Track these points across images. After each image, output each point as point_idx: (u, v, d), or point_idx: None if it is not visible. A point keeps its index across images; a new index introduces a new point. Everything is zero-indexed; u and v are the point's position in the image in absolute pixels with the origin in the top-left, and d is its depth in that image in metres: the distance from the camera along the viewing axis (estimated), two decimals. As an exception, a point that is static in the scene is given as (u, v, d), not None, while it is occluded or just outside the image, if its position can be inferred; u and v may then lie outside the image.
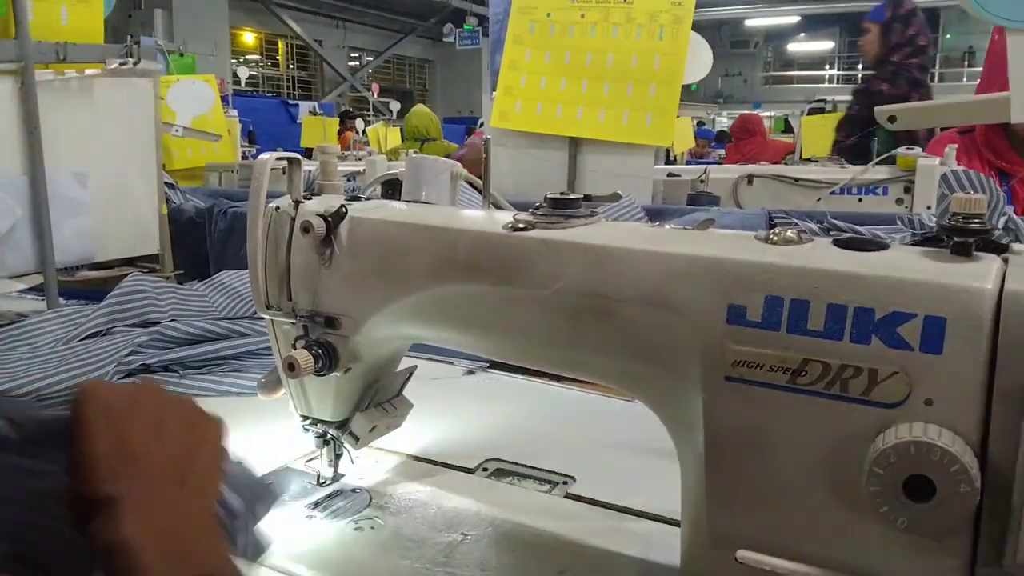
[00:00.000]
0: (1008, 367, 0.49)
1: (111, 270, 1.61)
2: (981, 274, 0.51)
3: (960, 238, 0.54)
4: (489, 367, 1.30)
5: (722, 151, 5.99)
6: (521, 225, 0.67)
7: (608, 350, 0.64)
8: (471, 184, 0.92)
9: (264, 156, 0.74)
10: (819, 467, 0.55)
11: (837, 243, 0.58)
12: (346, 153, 4.15)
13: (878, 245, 0.57)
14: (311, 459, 0.87)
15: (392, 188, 0.84)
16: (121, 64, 1.39)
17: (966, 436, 0.50)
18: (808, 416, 0.54)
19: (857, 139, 2.83)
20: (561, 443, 1.02)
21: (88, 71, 1.37)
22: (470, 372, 1.30)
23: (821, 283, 0.54)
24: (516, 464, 0.95)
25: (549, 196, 0.69)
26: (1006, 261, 0.53)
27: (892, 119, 1.09)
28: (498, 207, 0.83)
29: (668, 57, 1.78)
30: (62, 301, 1.43)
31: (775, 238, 0.59)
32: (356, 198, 0.77)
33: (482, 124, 7.64)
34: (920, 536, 0.52)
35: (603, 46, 1.82)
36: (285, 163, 0.77)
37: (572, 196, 0.68)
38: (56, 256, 1.34)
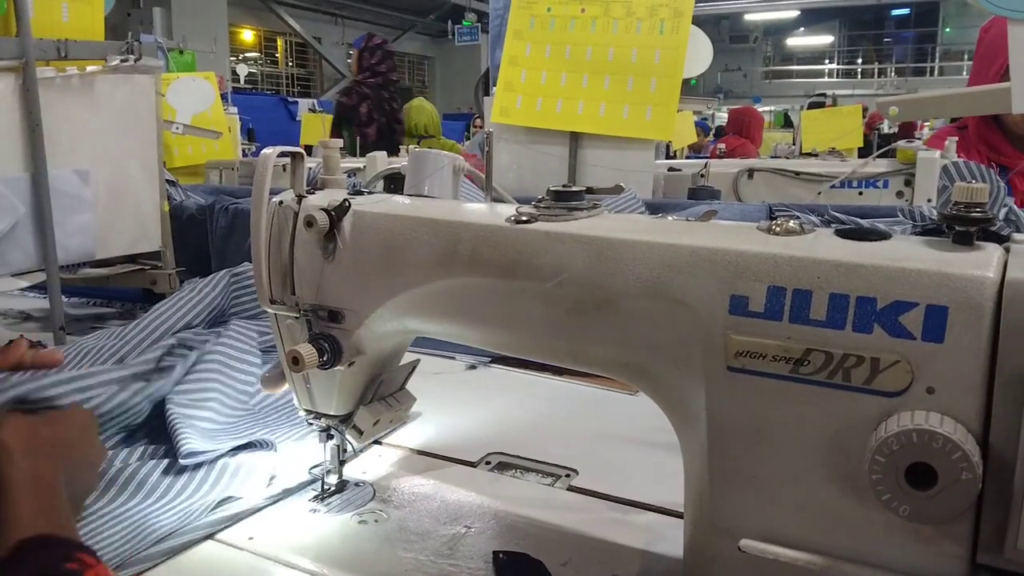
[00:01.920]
0: (1009, 355, 0.49)
1: (113, 267, 1.61)
2: (983, 263, 0.51)
3: (962, 227, 0.54)
4: (491, 362, 1.31)
5: (721, 145, 5.98)
6: (524, 218, 0.67)
7: (611, 341, 0.64)
8: (472, 178, 0.93)
9: (267, 151, 0.74)
10: (822, 456, 0.55)
11: (839, 233, 0.58)
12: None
13: (880, 235, 0.57)
14: (315, 466, 0.88)
15: (394, 182, 0.84)
16: (122, 61, 1.39)
17: (968, 424, 0.50)
18: (810, 405, 0.55)
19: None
20: (563, 436, 1.02)
21: (89, 68, 1.37)
22: (472, 367, 1.30)
23: (823, 273, 0.54)
24: (519, 457, 0.95)
25: (552, 189, 0.69)
26: (1007, 250, 0.53)
27: (894, 111, 1.10)
28: (500, 200, 0.84)
29: (668, 51, 1.78)
30: (64, 299, 1.43)
31: (777, 229, 0.59)
32: (359, 192, 0.78)
33: (478, 117, 7.58)
34: (922, 523, 0.52)
35: (603, 40, 1.82)
36: (287, 158, 0.78)
37: (574, 189, 0.69)
38: (58, 253, 1.34)
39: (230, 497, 0.81)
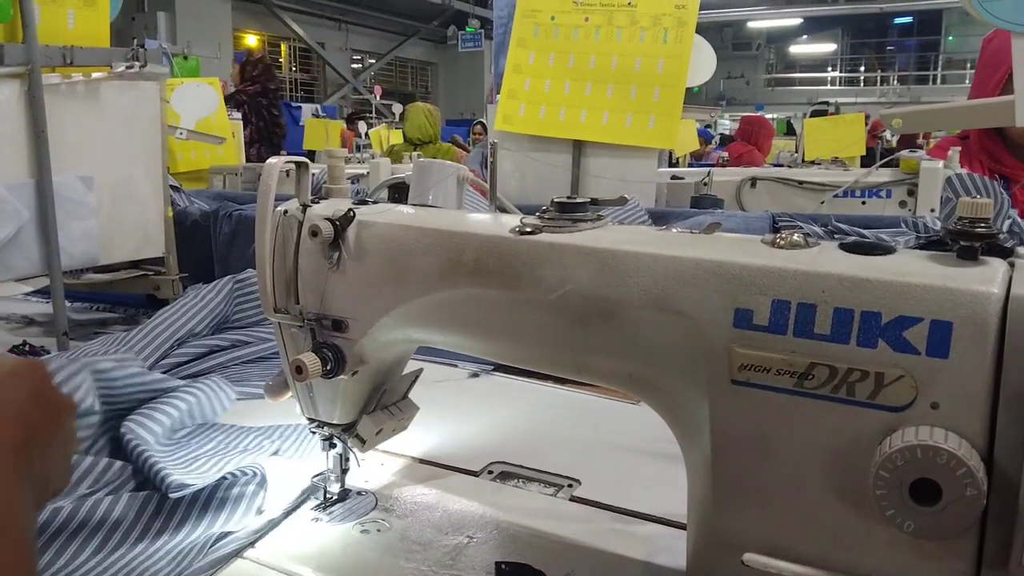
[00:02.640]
0: (1014, 371, 0.49)
1: (116, 272, 1.61)
2: (987, 278, 0.51)
3: (966, 242, 0.54)
4: (494, 370, 1.31)
5: (724, 153, 5.99)
6: (528, 229, 0.67)
7: (615, 353, 0.64)
8: (477, 188, 0.93)
9: (272, 160, 0.74)
10: (826, 470, 0.55)
11: (843, 247, 0.58)
12: (349, 156, 4.15)
13: (884, 249, 0.57)
14: (317, 475, 0.88)
15: (399, 192, 0.85)
16: (127, 68, 1.40)
17: (972, 440, 0.50)
18: (815, 419, 0.55)
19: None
20: (566, 446, 1.02)
21: (94, 75, 1.37)
22: (475, 375, 1.30)
23: (828, 287, 0.54)
24: (521, 467, 0.95)
25: (556, 200, 0.69)
26: (1012, 265, 0.53)
27: (897, 123, 1.10)
28: (504, 211, 0.84)
29: (672, 60, 1.78)
30: (67, 304, 1.44)
31: (781, 242, 0.59)
32: (363, 202, 0.78)
33: (478, 123, 7.59)
34: (926, 539, 0.52)
35: (607, 49, 1.82)
36: (292, 166, 0.78)
37: (578, 200, 0.69)
38: (62, 259, 1.34)
39: (225, 533, 0.77)
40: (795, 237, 0.60)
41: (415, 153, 3.53)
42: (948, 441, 0.49)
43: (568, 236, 0.66)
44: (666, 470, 0.89)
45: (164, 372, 1.17)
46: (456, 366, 1.32)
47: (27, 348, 1.40)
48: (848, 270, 0.54)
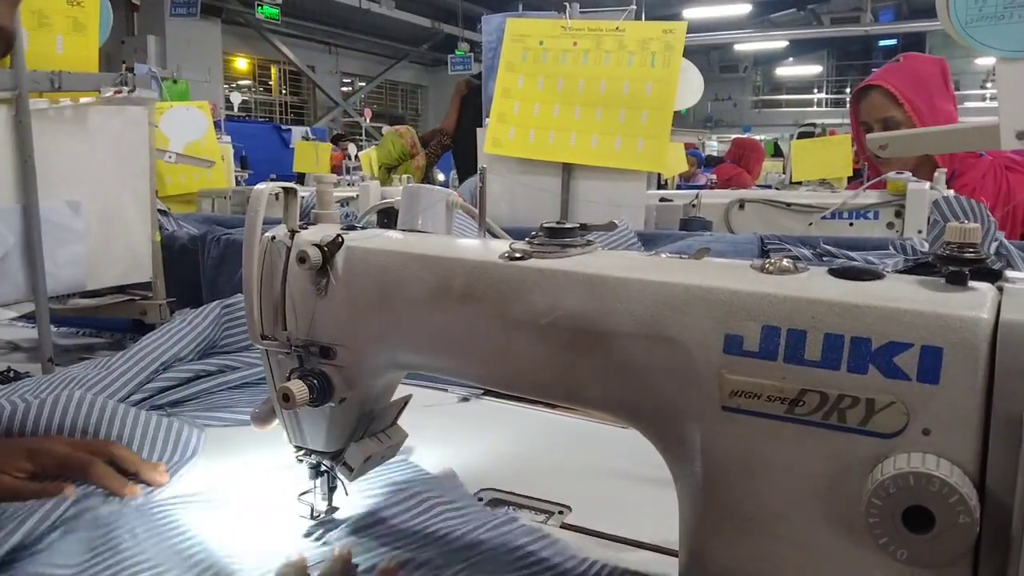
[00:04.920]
0: (1005, 397, 0.49)
1: (103, 297, 1.60)
2: (976, 304, 0.51)
3: (955, 267, 0.54)
4: (484, 394, 1.30)
5: (713, 176, 6.03)
6: (518, 254, 0.67)
7: (605, 380, 0.63)
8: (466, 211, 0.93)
9: (260, 186, 0.74)
10: (818, 498, 0.55)
11: (832, 272, 0.58)
12: (339, 178, 4.16)
13: (873, 274, 0.57)
14: (304, 492, 0.86)
15: (388, 216, 0.84)
16: (116, 93, 1.39)
17: (964, 466, 0.50)
18: (806, 446, 0.54)
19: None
20: (556, 471, 1.01)
21: (83, 100, 1.37)
22: (464, 399, 1.29)
23: (817, 313, 0.54)
24: (512, 494, 0.94)
25: (545, 225, 0.69)
26: (1000, 290, 0.53)
27: (883, 147, 1.11)
28: (493, 235, 0.84)
29: (660, 84, 1.79)
30: (53, 328, 1.42)
31: (770, 267, 0.59)
32: (352, 227, 0.77)
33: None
34: (920, 567, 0.51)
35: (595, 73, 1.83)
36: (280, 191, 0.77)
37: (568, 225, 0.69)
38: (48, 284, 1.33)
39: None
40: (784, 262, 0.60)
41: (395, 176, 3.57)
42: (940, 468, 0.49)
43: (558, 262, 0.66)
44: (658, 496, 0.88)
45: (148, 397, 1.15)
46: (446, 390, 1.31)
47: (12, 374, 1.38)
48: (838, 296, 0.54)
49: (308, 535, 0.82)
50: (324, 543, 0.81)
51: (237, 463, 0.99)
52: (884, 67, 2.37)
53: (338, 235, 0.74)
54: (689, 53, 1.88)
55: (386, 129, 5.66)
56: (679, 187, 5.41)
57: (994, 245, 1.09)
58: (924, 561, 0.50)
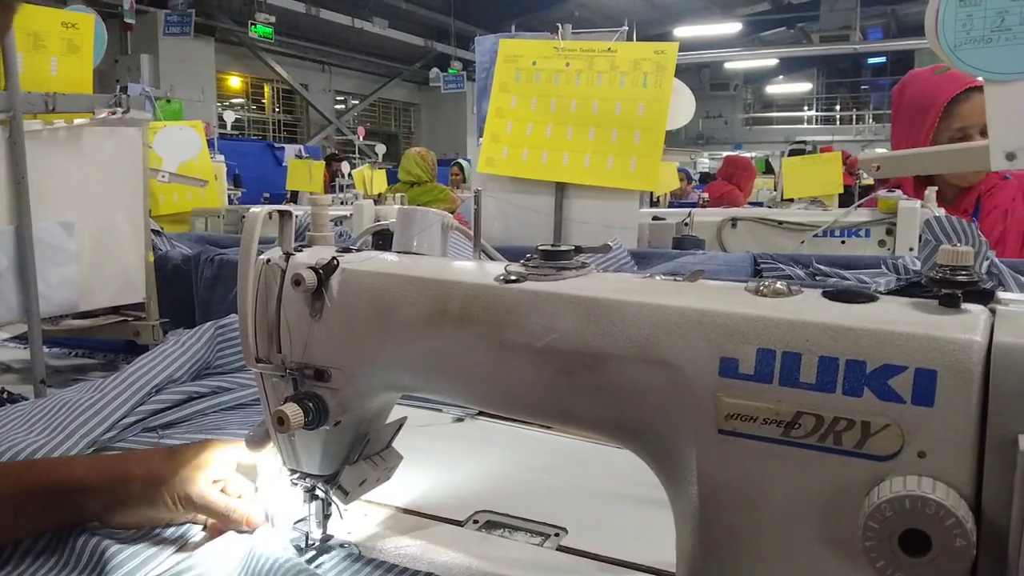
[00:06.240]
0: (1000, 419, 0.49)
1: (96, 318, 1.59)
2: (970, 326, 0.51)
3: (948, 290, 0.54)
4: (478, 414, 1.30)
5: (705, 194, 6.06)
6: (513, 277, 0.67)
7: (601, 403, 0.63)
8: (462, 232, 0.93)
9: (255, 210, 0.74)
10: (814, 521, 0.55)
11: (827, 295, 0.58)
12: (332, 196, 4.16)
13: (867, 297, 0.57)
14: (299, 520, 0.86)
15: (383, 238, 0.84)
16: (110, 114, 1.40)
17: (960, 489, 0.50)
18: (802, 469, 0.54)
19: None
20: (552, 493, 1.01)
21: (76, 121, 1.37)
22: (459, 419, 1.29)
23: (812, 336, 0.54)
24: (507, 516, 0.94)
25: (540, 248, 0.69)
26: (993, 312, 0.54)
27: (876, 167, 1.12)
28: (488, 256, 0.84)
29: (652, 104, 1.80)
30: (45, 349, 1.42)
31: (765, 290, 0.60)
32: (347, 249, 0.78)
33: (455, 164, 7.70)
34: (918, 591, 0.51)
35: (588, 93, 1.85)
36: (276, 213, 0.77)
37: (563, 248, 0.69)
38: (41, 305, 1.33)
39: None
40: (778, 285, 0.60)
41: (400, 195, 3.57)
42: (936, 491, 0.49)
43: (553, 284, 0.66)
44: (654, 517, 0.88)
45: (141, 419, 1.15)
46: (440, 410, 1.30)
47: (5, 395, 1.37)
48: (832, 319, 0.54)
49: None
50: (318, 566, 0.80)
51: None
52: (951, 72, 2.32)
53: (333, 258, 0.74)
54: (680, 71, 1.90)
55: (413, 150, 5.59)
56: (671, 205, 5.43)
57: (985, 264, 1.10)
58: (921, 584, 0.50)
